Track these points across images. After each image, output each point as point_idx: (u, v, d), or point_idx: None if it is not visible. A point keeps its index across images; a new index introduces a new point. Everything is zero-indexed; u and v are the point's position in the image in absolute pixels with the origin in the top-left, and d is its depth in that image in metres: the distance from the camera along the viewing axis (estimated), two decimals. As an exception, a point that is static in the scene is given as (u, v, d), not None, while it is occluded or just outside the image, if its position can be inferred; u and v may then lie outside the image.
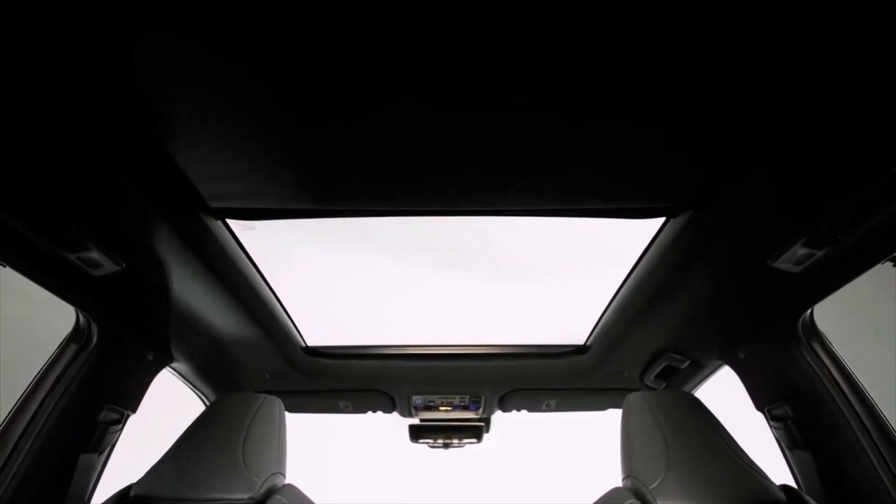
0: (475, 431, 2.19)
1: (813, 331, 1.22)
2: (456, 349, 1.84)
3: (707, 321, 1.38)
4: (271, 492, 1.17)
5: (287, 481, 1.28)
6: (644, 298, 1.34)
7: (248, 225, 1.11)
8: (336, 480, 3.54)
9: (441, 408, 2.07)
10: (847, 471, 1.13)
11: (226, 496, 1.10)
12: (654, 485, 1.08)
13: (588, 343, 1.79)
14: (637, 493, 1.12)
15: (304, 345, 1.80)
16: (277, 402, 1.34)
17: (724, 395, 1.61)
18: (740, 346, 1.38)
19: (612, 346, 1.69)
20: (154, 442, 1.35)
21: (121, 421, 1.33)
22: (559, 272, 1.49)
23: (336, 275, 1.47)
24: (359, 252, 1.34)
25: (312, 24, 0.59)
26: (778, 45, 0.62)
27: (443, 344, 1.84)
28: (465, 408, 2.07)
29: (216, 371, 1.75)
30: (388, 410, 2.11)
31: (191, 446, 1.18)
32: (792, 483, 1.30)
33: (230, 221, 1.10)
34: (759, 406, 1.37)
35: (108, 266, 1.01)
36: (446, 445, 2.23)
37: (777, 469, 1.31)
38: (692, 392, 1.75)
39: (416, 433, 2.21)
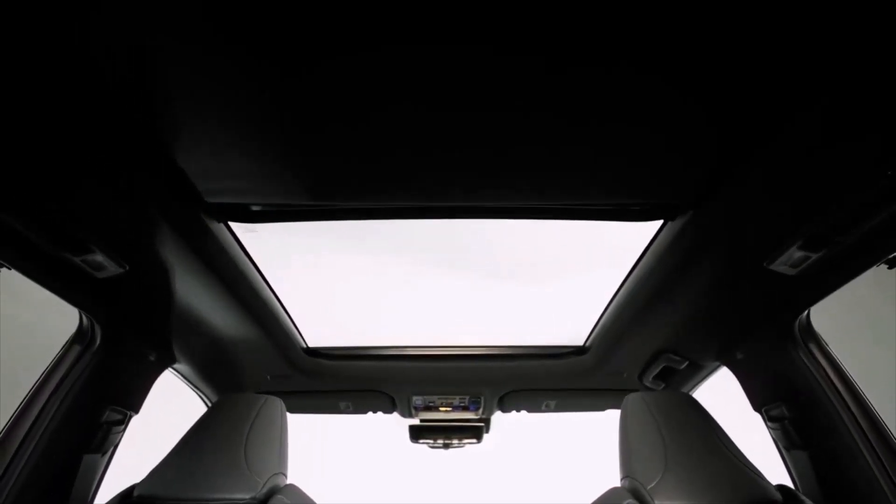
0: (475, 432, 2.20)
1: (809, 332, 1.23)
2: (456, 350, 1.85)
3: (705, 322, 1.39)
4: (273, 492, 1.18)
5: (288, 481, 1.29)
6: (643, 300, 1.34)
7: (250, 227, 1.12)
8: (337, 480, 3.55)
9: (441, 408, 2.07)
10: (843, 471, 1.14)
11: (228, 496, 1.11)
12: (652, 485, 1.09)
13: (587, 344, 1.80)
14: (635, 493, 1.13)
15: (304, 346, 1.81)
16: (279, 403, 1.35)
17: (722, 395, 1.62)
18: (738, 347, 1.39)
19: (611, 346, 1.70)
20: (152, 443, 1.37)
21: (123, 422, 1.34)
22: (559, 273, 1.49)
23: (336, 276, 1.48)
24: (359, 253, 1.35)
25: (312, 24, 0.59)
26: (778, 46, 0.62)
27: (443, 345, 1.85)
28: (465, 408, 2.07)
29: (217, 372, 1.76)
30: (388, 411, 2.12)
31: (193, 447, 1.19)
32: (789, 483, 1.31)
33: (232, 224, 1.11)
34: (757, 407, 1.38)
35: (111, 268, 1.02)
36: (446, 446, 2.24)
37: (775, 469, 1.32)
38: (690, 393, 1.76)
39: (417, 433, 2.22)
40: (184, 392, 1.80)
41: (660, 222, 1.10)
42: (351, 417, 2.17)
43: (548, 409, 2.10)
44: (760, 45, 0.62)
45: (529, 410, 2.12)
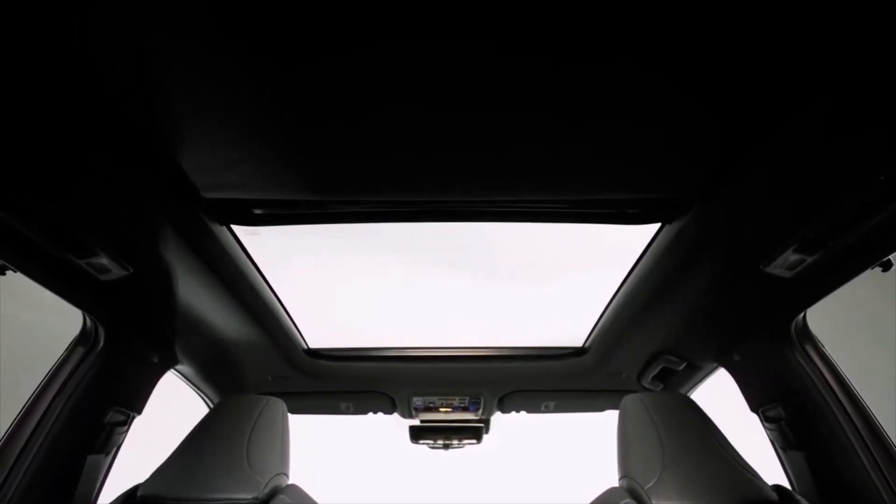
0: (475, 432, 2.20)
1: (806, 334, 1.24)
2: (456, 351, 1.86)
3: (702, 324, 1.39)
4: (275, 492, 1.19)
5: (290, 481, 1.30)
6: (641, 301, 1.35)
7: (252, 230, 1.13)
8: (338, 481, 3.56)
9: (441, 409, 2.08)
10: (839, 471, 1.15)
11: (231, 496, 1.12)
12: (650, 485, 1.10)
13: (586, 345, 1.81)
14: (633, 493, 1.14)
15: (305, 347, 1.82)
16: (280, 404, 1.36)
17: (721, 395, 1.63)
18: (735, 348, 1.39)
19: (610, 348, 1.70)
20: (149, 443, 1.38)
21: (126, 422, 1.35)
22: (558, 274, 1.50)
23: (337, 277, 1.49)
24: (359, 255, 1.36)
25: (312, 23, 0.59)
26: (778, 46, 0.62)
27: (443, 346, 1.86)
28: (465, 409, 2.08)
29: (219, 373, 1.77)
30: (388, 411, 2.13)
31: (196, 447, 1.20)
32: (785, 483, 1.32)
33: (234, 226, 1.12)
34: (754, 407, 1.39)
35: (115, 271, 1.03)
36: (446, 446, 2.24)
37: (773, 469, 1.33)
38: (689, 394, 1.77)
39: (417, 434, 2.22)
40: (179, 393, 1.81)
41: (658, 225, 1.10)
42: (351, 418, 2.18)
43: (547, 410, 2.11)
44: (760, 45, 0.62)
45: (529, 411, 2.13)
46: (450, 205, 1.05)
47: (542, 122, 0.76)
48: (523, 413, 2.14)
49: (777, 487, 1.14)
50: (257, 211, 1.06)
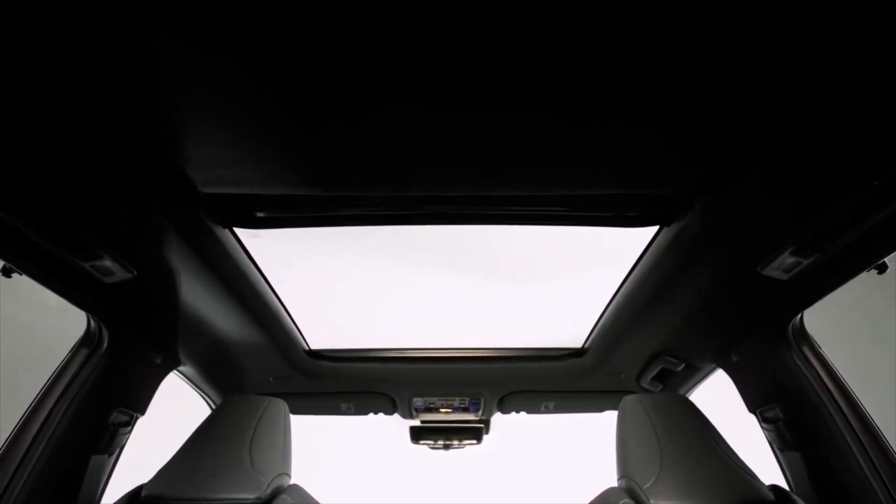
0: (475, 433, 2.21)
1: (803, 335, 1.25)
2: (456, 352, 1.86)
3: (701, 325, 1.40)
4: (278, 492, 1.20)
5: (292, 481, 1.31)
6: (640, 303, 1.36)
7: (254, 233, 1.15)
8: (339, 481, 3.57)
9: (441, 409, 2.08)
10: (836, 471, 1.16)
11: (234, 496, 1.13)
12: (648, 484, 1.11)
13: (586, 346, 1.81)
14: (631, 493, 1.15)
15: (306, 348, 1.83)
16: (282, 405, 1.37)
17: (720, 396, 1.64)
18: (733, 349, 1.40)
19: (609, 349, 1.71)
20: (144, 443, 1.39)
21: (130, 423, 1.36)
22: (558, 275, 1.51)
23: (337, 279, 1.50)
24: (359, 256, 1.37)
25: (312, 24, 0.59)
26: (778, 46, 0.62)
27: (443, 347, 1.87)
28: (465, 409, 2.08)
29: (221, 374, 1.78)
30: (389, 412, 2.14)
31: (199, 447, 1.21)
32: (782, 483, 1.33)
33: (236, 229, 1.13)
34: (752, 408, 1.40)
35: (119, 274, 1.04)
36: (446, 447, 2.24)
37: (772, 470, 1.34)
38: (688, 394, 1.78)
39: (417, 435, 2.23)
40: (180, 394, 1.82)
41: (656, 228, 1.11)
42: (352, 419, 2.19)
43: (547, 411, 2.12)
44: (760, 45, 0.62)
45: (529, 412, 2.14)
46: (450, 208, 1.06)
47: (542, 122, 0.76)
48: (523, 413, 2.15)
49: (774, 487, 1.15)
50: (259, 214, 1.07)
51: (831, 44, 0.61)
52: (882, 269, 0.99)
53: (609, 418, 2.01)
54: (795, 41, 0.61)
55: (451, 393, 2.04)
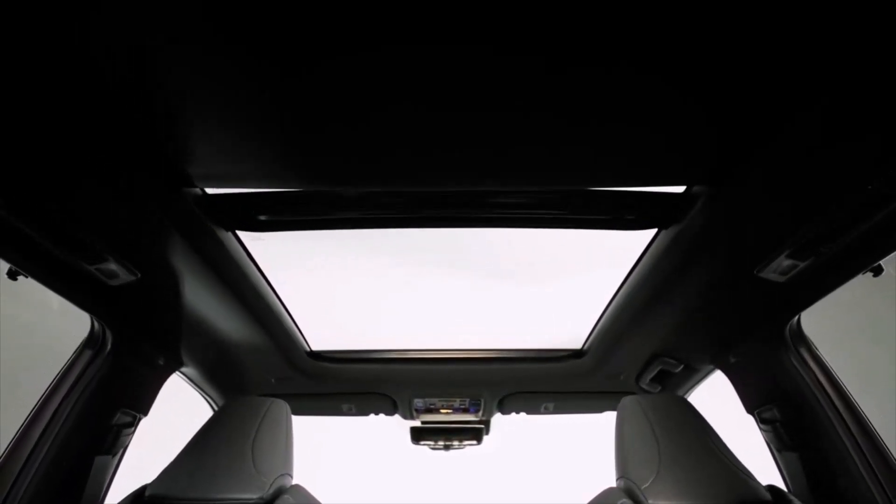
0: (475, 433, 2.21)
1: (800, 336, 1.26)
2: (456, 353, 1.87)
3: (699, 327, 1.41)
4: (280, 492, 1.21)
5: (294, 482, 1.32)
6: (639, 304, 1.37)
7: (256, 236, 1.16)
8: (340, 481, 3.58)
9: (442, 410, 2.09)
10: (833, 471, 1.17)
11: (237, 496, 1.13)
12: (646, 485, 1.12)
13: (585, 347, 1.82)
14: (629, 493, 1.16)
15: (308, 349, 1.84)
16: (284, 406, 1.38)
17: (720, 397, 1.65)
18: (731, 351, 1.41)
19: (608, 350, 1.72)
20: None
21: (133, 424, 1.38)
22: (557, 277, 1.52)
23: (338, 280, 1.51)
24: (361, 258, 1.38)
25: (312, 24, 0.59)
26: (778, 46, 0.62)
27: (444, 348, 1.88)
28: (466, 410, 2.09)
29: (223, 375, 1.79)
30: (390, 413, 2.14)
31: (202, 448, 1.22)
32: (780, 483, 1.34)
33: (238, 231, 1.14)
34: (750, 409, 1.41)
35: (123, 276, 1.05)
36: (447, 447, 2.25)
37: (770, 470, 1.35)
38: (687, 395, 1.79)
39: (418, 435, 2.23)
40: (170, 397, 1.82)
41: (655, 230, 1.12)
42: (353, 420, 2.20)
43: (546, 412, 2.12)
44: (760, 45, 0.62)
45: (528, 412, 2.14)
46: (450, 211, 1.07)
47: (542, 122, 0.76)
48: (523, 414, 2.16)
49: (771, 488, 1.16)
50: (261, 217, 1.08)
51: (831, 44, 0.61)
52: (878, 271, 0.99)
53: (608, 419, 2.02)
54: (794, 42, 0.61)
55: (451, 394, 2.05)
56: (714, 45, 0.62)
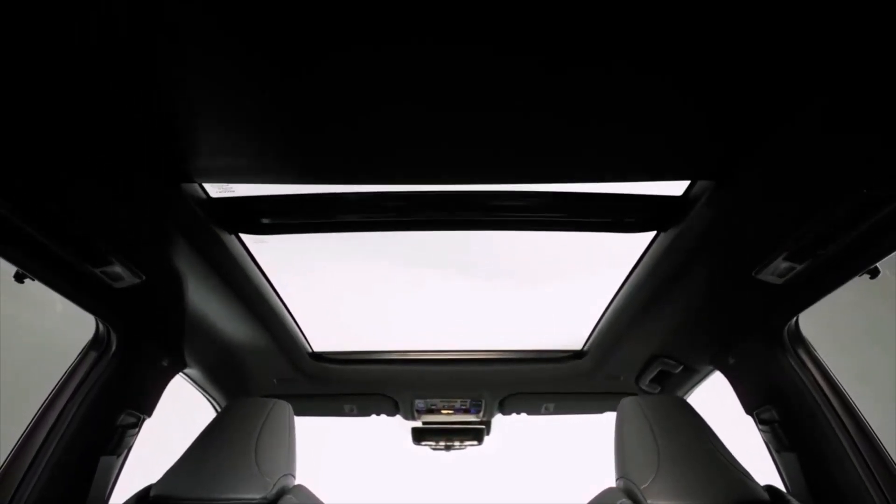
0: (476, 434, 2.21)
1: (798, 338, 1.27)
2: (457, 354, 1.88)
3: (698, 328, 1.42)
4: (283, 492, 1.22)
5: (297, 482, 1.33)
6: (639, 306, 1.38)
7: (259, 238, 1.17)
8: (341, 481, 3.59)
9: (443, 411, 2.10)
10: (831, 472, 1.18)
11: (240, 496, 1.14)
12: (645, 485, 1.13)
13: (585, 348, 1.83)
14: (629, 493, 1.17)
15: (310, 350, 1.85)
16: (287, 407, 1.39)
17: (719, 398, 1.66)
18: (730, 352, 1.42)
19: (608, 351, 1.73)
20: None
21: (137, 424, 1.39)
22: (557, 279, 1.53)
23: (340, 282, 1.51)
24: (362, 261, 1.39)
25: (312, 23, 0.58)
26: (778, 46, 0.61)
27: (445, 349, 1.88)
28: (466, 411, 2.10)
29: (226, 376, 1.80)
30: (391, 413, 2.15)
31: (206, 448, 1.23)
32: (778, 484, 1.34)
33: (242, 234, 1.15)
34: (748, 410, 1.42)
35: (128, 279, 1.06)
36: (448, 448, 2.25)
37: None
38: (686, 396, 1.80)
39: (419, 436, 2.23)
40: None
41: (654, 232, 1.13)
42: (355, 420, 2.21)
43: (547, 412, 2.13)
44: (759, 45, 0.61)
45: (529, 413, 2.15)
46: (450, 214, 1.07)
47: (542, 122, 0.76)
48: (523, 415, 2.17)
49: (769, 488, 1.17)
50: (264, 220, 1.09)
51: (831, 44, 0.60)
52: (874, 273, 1.00)
53: (608, 420, 2.03)
54: (795, 42, 0.61)
55: (452, 395, 2.06)
56: (713, 45, 0.62)
